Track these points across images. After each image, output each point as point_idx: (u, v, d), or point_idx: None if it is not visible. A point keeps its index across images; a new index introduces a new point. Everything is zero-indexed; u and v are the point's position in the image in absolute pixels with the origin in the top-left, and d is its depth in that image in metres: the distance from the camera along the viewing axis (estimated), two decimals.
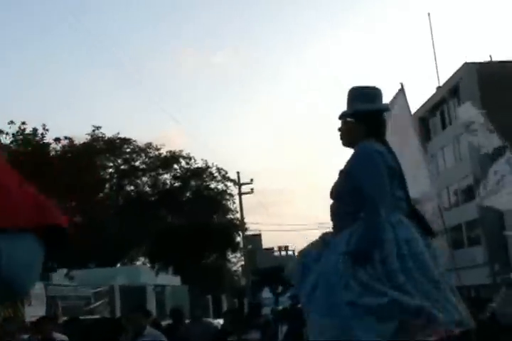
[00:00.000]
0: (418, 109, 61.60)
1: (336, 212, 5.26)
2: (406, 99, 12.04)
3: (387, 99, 10.75)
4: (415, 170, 10.75)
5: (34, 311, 20.41)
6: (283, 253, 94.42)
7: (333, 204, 5.28)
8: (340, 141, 5.48)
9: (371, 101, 5.39)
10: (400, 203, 5.12)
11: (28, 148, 44.84)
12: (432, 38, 60.03)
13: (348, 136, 5.40)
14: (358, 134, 5.30)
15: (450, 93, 51.44)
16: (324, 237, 5.29)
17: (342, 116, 5.46)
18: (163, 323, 14.61)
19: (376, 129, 5.35)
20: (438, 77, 63.13)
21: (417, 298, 4.57)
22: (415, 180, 10.50)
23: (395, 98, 11.82)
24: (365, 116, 5.33)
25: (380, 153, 5.12)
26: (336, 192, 5.25)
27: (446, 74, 55.47)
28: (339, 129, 5.46)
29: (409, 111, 12.26)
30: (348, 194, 5.08)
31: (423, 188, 11.50)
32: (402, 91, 11.97)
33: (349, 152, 5.28)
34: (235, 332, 11.04)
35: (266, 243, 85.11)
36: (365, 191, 4.94)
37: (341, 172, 5.25)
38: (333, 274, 4.82)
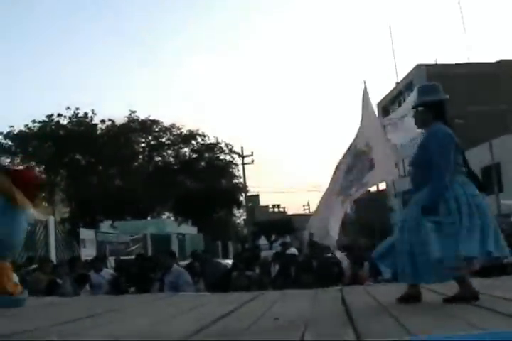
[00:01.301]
0: (381, 100, 61.70)
1: (414, 176, 5.62)
2: (368, 97, 10.93)
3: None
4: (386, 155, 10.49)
5: (88, 252, 20.85)
6: (276, 209, 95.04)
7: (413, 171, 5.66)
8: (416, 125, 5.80)
9: (434, 94, 5.64)
10: (461, 168, 5.42)
11: (81, 128, 45.13)
12: (392, 45, 59.93)
13: (420, 121, 5.68)
14: (427, 118, 5.56)
15: (406, 87, 51.50)
16: (405, 197, 5.75)
17: (414, 106, 5.75)
18: (183, 263, 14.82)
19: (440, 114, 5.58)
20: (397, 74, 63.12)
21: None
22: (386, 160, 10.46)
23: (364, 97, 10.82)
24: (430, 104, 5.58)
25: (448, 133, 5.41)
26: (415, 161, 5.58)
27: (403, 72, 55.40)
28: (413, 116, 5.79)
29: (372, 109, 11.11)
30: (424, 163, 5.36)
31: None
32: (365, 89, 10.87)
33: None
34: (240, 268, 11.38)
35: (263, 202, 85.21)
36: (434, 161, 5.25)
37: (420, 147, 5.53)
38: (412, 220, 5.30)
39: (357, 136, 10.84)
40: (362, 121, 10.77)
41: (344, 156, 10.94)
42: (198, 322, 4.63)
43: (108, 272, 12.79)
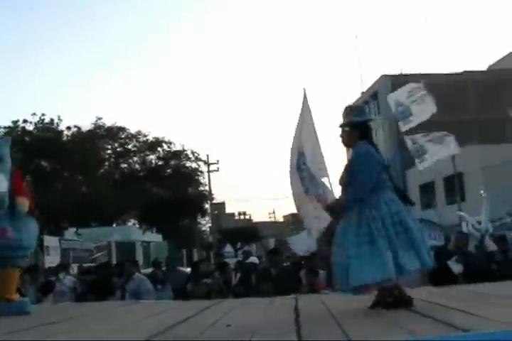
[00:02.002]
0: None
1: (342, 195, 5.87)
2: (307, 105, 10.78)
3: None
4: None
5: (52, 259, 20.89)
6: (241, 217, 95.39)
7: (342, 190, 5.87)
8: (342, 143, 5.99)
9: (361, 115, 5.93)
10: (387, 183, 5.71)
11: (47, 134, 45.06)
12: (358, 55, 60.64)
13: (346, 140, 5.91)
14: (353, 138, 5.82)
15: (371, 97, 52.08)
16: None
17: (341, 126, 5.95)
18: (147, 271, 14.95)
19: (366, 134, 5.87)
20: (362, 84, 63.82)
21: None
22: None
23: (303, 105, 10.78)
24: (357, 125, 5.83)
25: (370, 152, 5.69)
26: (342, 181, 5.81)
27: (368, 82, 55.88)
28: (340, 135, 5.97)
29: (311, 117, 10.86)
30: (350, 182, 5.64)
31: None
32: (305, 97, 10.82)
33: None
34: (196, 277, 11.55)
35: (228, 209, 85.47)
36: (357, 179, 5.55)
37: (345, 167, 5.80)
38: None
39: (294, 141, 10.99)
40: (299, 127, 10.87)
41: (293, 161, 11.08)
42: (154, 329, 4.88)
43: (71, 280, 12.91)
